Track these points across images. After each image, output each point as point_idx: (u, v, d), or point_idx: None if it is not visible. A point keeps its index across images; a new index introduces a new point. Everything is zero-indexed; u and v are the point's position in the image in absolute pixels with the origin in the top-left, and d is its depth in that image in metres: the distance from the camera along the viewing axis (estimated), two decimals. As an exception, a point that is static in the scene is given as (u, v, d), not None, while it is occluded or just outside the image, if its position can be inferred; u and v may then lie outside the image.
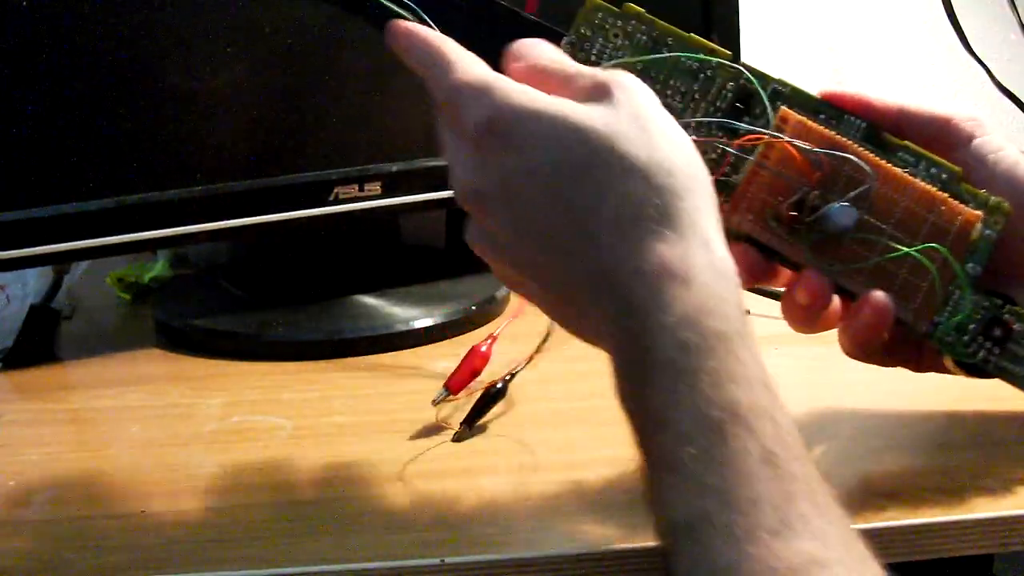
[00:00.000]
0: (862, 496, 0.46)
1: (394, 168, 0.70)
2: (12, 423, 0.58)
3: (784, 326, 0.49)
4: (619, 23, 0.48)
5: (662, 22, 0.48)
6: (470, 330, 0.69)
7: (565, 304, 0.42)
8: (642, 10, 0.48)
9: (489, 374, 0.56)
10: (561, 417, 0.56)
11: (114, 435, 0.56)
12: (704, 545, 0.32)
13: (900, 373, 0.50)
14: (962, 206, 0.46)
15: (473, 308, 0.70)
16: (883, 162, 0.46)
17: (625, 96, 0.40)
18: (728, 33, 0.81)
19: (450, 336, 0.69)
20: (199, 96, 0.64)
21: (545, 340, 0.54)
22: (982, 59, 1.02)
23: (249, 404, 0.59)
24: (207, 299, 0.75)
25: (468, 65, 0.41)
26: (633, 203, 0.38)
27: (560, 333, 0.45)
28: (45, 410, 0.60)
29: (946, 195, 0.46)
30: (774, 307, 0.50)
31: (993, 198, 0.47)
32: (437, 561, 0.43)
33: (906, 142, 0.48)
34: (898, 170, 0.46)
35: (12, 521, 0.47)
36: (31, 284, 0.73)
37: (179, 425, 0.57)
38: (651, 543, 0.38)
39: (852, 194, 0.45)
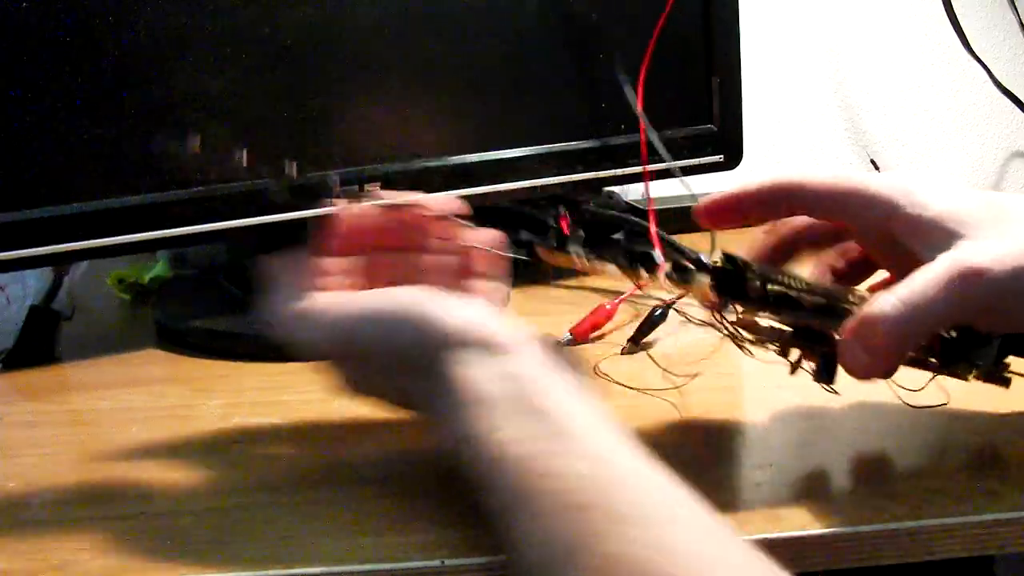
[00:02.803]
0: (862, 498, 0.46)
1: (393, 168, 0.70)
2: (12, 424, 0.58)
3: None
4: None
5: None
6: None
7: None
8: None
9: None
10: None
11: (114, 437, 0.56)
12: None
13: (898, 375, 0.50)
14: None
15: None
16: None
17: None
18: (728, 34, 0.81)
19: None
20: (199, 97, 0.64)
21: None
22: (982, 59, 1.03)
23: (249, 405, 0.59)
24: (207, 300, 0.75)
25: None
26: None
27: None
28: (45, 411, 0.60)
29: None
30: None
31: None
32: (437, 563, 0.43)
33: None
34: None
35: (12, 523, 0.47)
36: (31, 285, 0.72)
37: (179, 426, 0.56)
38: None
39: None
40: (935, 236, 0.46)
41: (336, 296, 0.50)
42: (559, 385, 0.43)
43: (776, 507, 0.46)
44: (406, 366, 0.46)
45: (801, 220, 0.54)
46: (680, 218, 0.77)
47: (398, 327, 0.46)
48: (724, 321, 0.50)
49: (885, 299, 0.44)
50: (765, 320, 0.50)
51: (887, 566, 0.44)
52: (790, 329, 0.50)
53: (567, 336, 0.65)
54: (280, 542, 0.44)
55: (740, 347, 0.51)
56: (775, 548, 0.43)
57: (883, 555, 0.44)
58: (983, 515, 0.45)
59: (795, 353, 0.51)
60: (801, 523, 0.44)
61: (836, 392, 0.50)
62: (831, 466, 0.50)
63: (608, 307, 0.67)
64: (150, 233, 0.64)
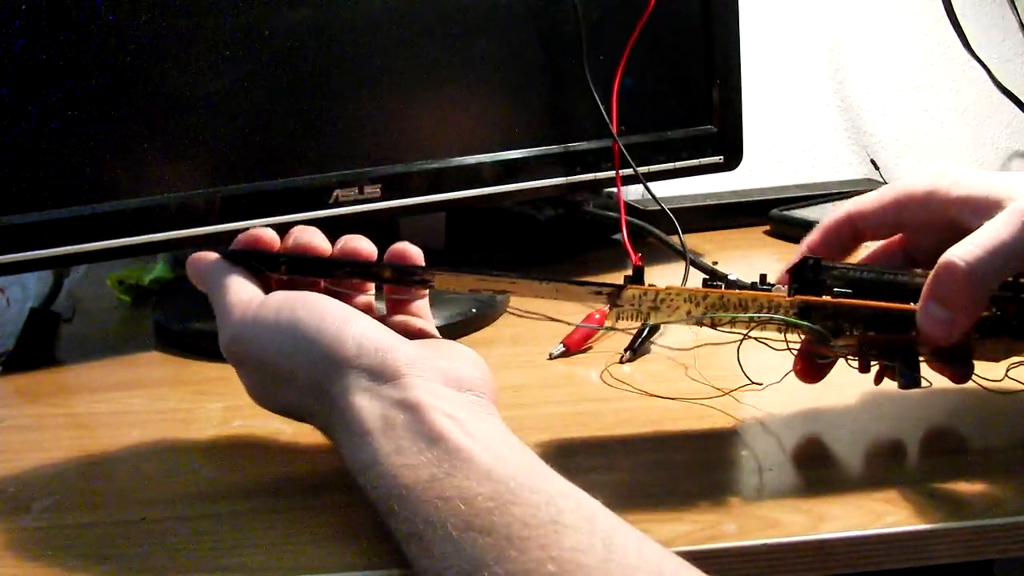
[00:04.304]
0: (861, 502, 0.46)
1: (394, 170, 0.70)
2: (12, 428, 0.58)
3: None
4: None
5: None
6: (470, 331, 0.69)
7: None
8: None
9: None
10: (565, 420, 0.56)
11: (114, 440, 0.56)
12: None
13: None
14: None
15: (473, 310, 0.70)
16: None
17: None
18: (728, 34, 0.81)
19: (450, 338, 0.68)
20: (198, 100, 0.64)
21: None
22: (982, 59, 1.03)
23: (249, 408, 0.58)
24: (207, 301, 0.75)
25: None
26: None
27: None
28: (45, 415, 0.60)
29: None
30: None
31: None
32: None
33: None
34: None
35: (12, 528, 0.47)
36: (31, 287, 0.72)
37: (179, 430, 0.57)
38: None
39: None
40: (989, 204, 0.48)
41: (246, 293, 0.50)
42: (455, 408, 0.43)
43: (775, 512, 0.46)
44: (299, 383, 0.46)
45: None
46: (685, 218, 0.77)
47: (292, 343, 0.46)
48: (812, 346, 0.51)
49: (956, 247, 0.46)
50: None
51: (887, 572, 0.44)
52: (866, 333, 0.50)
53: (560, 348, 0.64)
54: (282, 548, 0.44)
55: (840, 357, 0.51)
56: (774, 554, 0.43)
57: (882, 561, 0.44)
58: (983, 520, 0.45)
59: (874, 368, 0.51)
60: (800, 529, 0.44)
61: (929, 383, 0.50)
62: (829, 471, 0.50)
63: (597, 316, 0.66)
64: (150, 236, 0.64)
